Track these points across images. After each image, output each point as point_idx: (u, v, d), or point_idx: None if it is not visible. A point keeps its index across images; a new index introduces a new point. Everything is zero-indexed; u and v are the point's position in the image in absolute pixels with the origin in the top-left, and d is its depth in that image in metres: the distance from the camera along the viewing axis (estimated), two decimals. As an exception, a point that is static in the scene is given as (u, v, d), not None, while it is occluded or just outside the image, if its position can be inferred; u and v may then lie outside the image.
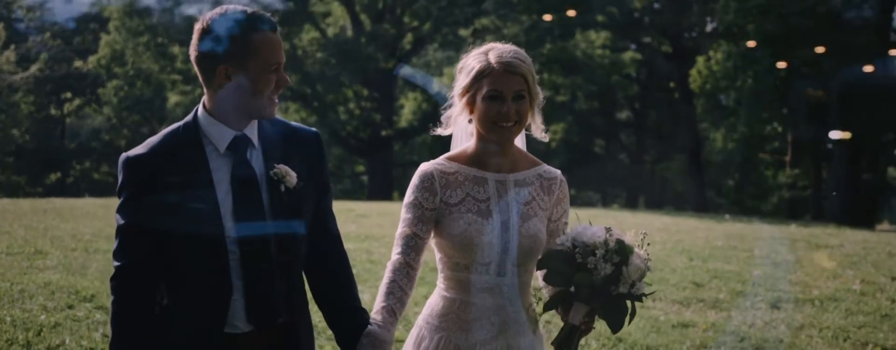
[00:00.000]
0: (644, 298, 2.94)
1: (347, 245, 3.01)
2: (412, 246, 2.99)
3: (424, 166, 3.07)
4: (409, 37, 31.56)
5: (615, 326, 2.91)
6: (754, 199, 30.62)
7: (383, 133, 31.28)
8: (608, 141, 36.90)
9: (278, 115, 2.91)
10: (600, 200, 38.80)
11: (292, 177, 2.79)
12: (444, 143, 3.22)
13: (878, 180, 25.83)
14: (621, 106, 35.91)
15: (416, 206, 3.00)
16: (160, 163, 2.74)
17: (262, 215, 2.76)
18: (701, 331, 6.59)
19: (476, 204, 3.01)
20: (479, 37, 26.33)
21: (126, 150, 2.83)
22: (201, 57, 2.75)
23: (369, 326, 2.86)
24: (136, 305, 2.75)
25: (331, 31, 32.08)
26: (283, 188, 2.78)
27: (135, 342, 2.75)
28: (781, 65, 23.90)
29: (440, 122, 3.14)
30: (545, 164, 3.14)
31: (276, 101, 2.81)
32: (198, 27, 2.76)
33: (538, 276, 3.10)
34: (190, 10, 30.47)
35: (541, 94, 3.03)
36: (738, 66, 24.84)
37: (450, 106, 3.09)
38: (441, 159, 3.08)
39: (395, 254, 3.01)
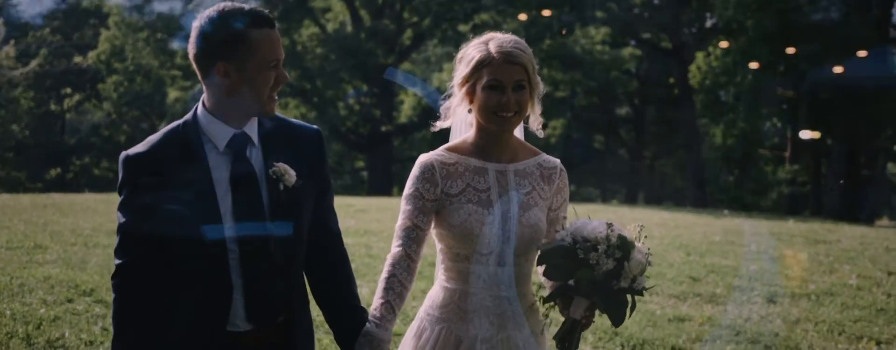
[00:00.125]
0: (645, 292, 2.94)
1: (346, 240, 3.01)
2: (413, 238, 2.98)
3: (424, 157, 3.05)
4: (408, 32, 31.55)
5: (617, 320, 2.91)
6: (754, 195, 30.63)
7: (383, 129, 31.29)
8: (607, 137, 36.96)
9: (278, 112, 2.89)
10: (600, 196, 38.82)
11: (291, 175, 2.78)
12: (444, 139, 3.21)
13: (877, 176, 25.86)
14: (621, 102, 35.93)
15: (416, 197, 2.99)
16: (160, 161, 2.73)
17: (262, 214, 2.75)
18: (697, 325, 6.62)
19: (477, 194, 3.00)
20: (479, 32, 26.17)
21: (126, 146, 2.82)
22: (200, 55, 2.74)
23: (367, 326, 2.86)
24: (137, 303, 2.75)
25: (330, 27, 32.08)
26: (282, 187, 2.77)
27: (137, 339, 2.75)
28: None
29: (439, 114, 3.13)
30: (544, 154, 3.13)
31: (276, 98, 2.79)
32: (196, 25, 2.75)
33: (538, 271, 3.09)
34: (190, 5, 30.46)
35: (541, 85, 3.02)
36: (737, 61, 24.84)
37: (449, 96, 3.08)
38: (441, 150, 3.07)
39: (395, 246, 2.99)
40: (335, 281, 2.96)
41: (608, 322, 2.97)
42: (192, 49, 2.76)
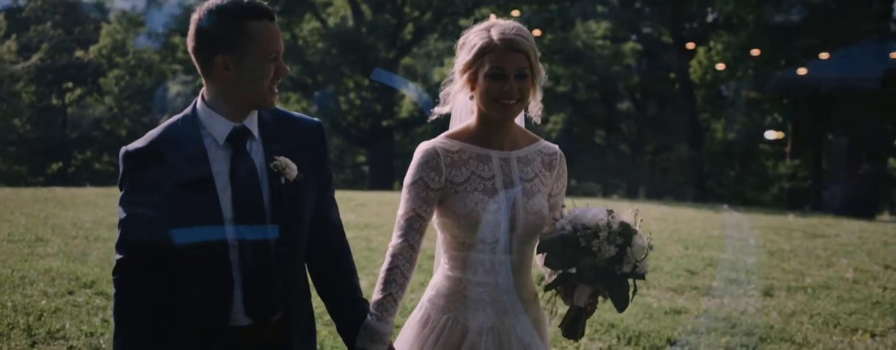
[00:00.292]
0: (646, 276, 2.94)
1: (347, 233, 3.02)
2: (416, 228, 2.94)
3: (426, 145, 3.01)
4: (409, 27, 31.54)
5: (621, 305, 2.92)
6: (754, 190, 30.68)
7: (384, 123, 31.30)
8: (609, 131, 36.94)
9: (279, 106, 2.88)
10: (600, 191, 38.82)
11: (292, 169, 2.77)
12: (445, 130, 3.17)
13: (878, 171, 25.87)
14: (622, 97, 35.93)
15: (420, 185, 2.95)
16: (160, 156, 2.72)
17: (262, 208, 2.75)
18: (693, 317, 6.67)
19: (482, 182, 2.97)
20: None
21: (127, 140, 2.80)
22: (198, 47, 2.73)
23: (368, 319, 2.86)
24: (138, 298, 2.75)
25: (331, 21, 32.08)
26: (283, 180, 2.76)
27: (138, 334, 2.75)
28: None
29: (438, 100, 3.11)
30: (543, 140, 3.12)
31: (276, 91, 2.78)
32: (194, 18, 2.74)
33: (537, 260, 3.09)
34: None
35: (542, 71, 3.01)
36: (737, 56, 24.86)
37: (450, 82, 3.06)
38: (442, 137, 3.03)
39: (396, 237, 2.96)
40: (337, 273, 2.95)
41: (604, 315, 2.99)
42: (191, 42, 2.75)
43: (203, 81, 2.79)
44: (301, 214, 2.82)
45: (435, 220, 3.03)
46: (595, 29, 30.23)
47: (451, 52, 3.09)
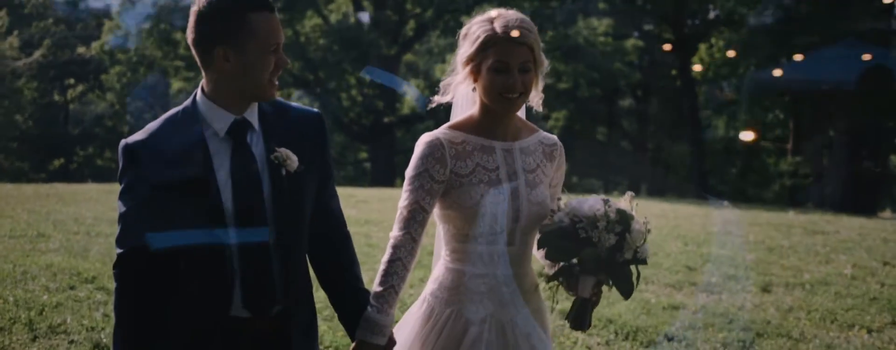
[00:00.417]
0: (646, 271, 2.96)
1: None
2: (419, 220, 2.91)
3: (430, 136, 2.96)
4: (411, 23, 31.55)
5: (626, 292, 2.92)
6: (756, 187, 30.67)
7: (386, 120, 31.32)
8: (610, 128, 36.93)
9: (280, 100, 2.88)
10: (602, 188, 38.81)
11: (293, 160, 2.75)
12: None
13: (879, 168, 25.87)
14: (623, 94, 35.92)
15: (425, 177, 2.91)
16: (160, 148, 2.70)
17: (264, 200, 2.73)
18: (691, 313, 6.69)
19: (487, 174, 2.95)
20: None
21: (129, 137, 2.78)
22: (198, 39, 2.70)
23: (368, 310, 2.85)
24: (139, 292, 2.74)
25: (333, 18, 32.09)
26: (283, 172, 2.74)
27: (138, 328, 2.75)
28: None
29: (439, 88, 3.08)
30: (542, 131, 3.11)
31: (276, 83, 2.75)
32: (194, 9, 2.71)
33: (538, 255, 3.07)
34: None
35: (546, 62, 2.98)
36: (739, 53, 24.86)
37: (452, 72, 3.02)
38: (445, 128, 3.00)
39: (398, 229, 2.92)
40: (338, 263, 2.94)
41: (603, 310, 2.99)
42: (190, 34, 2.72)
43: (203, 73, 2.77)
44: (302, 206, 2.80)
45: (437, 213, 3.00)
46: (596, 25, 30.20)
47: (453, 49, 3.06)
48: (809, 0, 24.07)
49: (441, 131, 2.98)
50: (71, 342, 5.30)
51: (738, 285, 7.61)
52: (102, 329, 5.51)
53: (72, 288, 6.41)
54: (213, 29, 2.67)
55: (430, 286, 3.05)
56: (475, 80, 2.95)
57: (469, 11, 29.59)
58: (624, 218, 2.88)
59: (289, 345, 2.83)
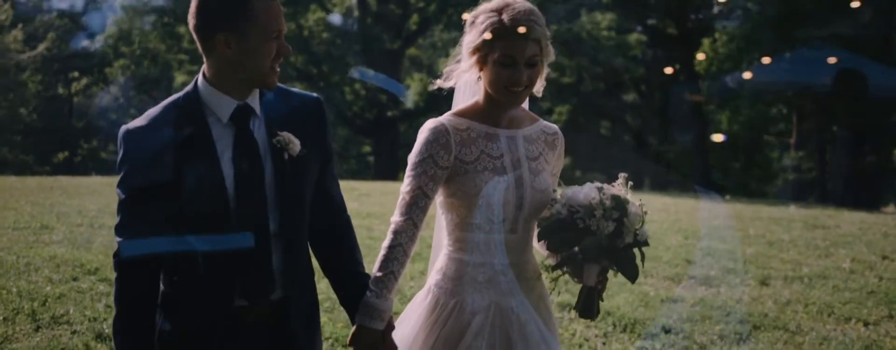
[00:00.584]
0: (649, 242, 2.94)
1: (348, 222, 3.00)
2: (421, 206, 2.89)
3: (435, 122, 2.94)
4: (414, 17, 31.58)
5: (631, 276, 2.91)
6: (759, 182, 30.68)
7: (389, 114, 31.37)
8: (613, 123, 36.94)
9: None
10: (605, 182, 38.81)
11: (296, 144, 2.74)
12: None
13: (882, 163, 25.87)
14: (627, 88, 35.92)
15: (429, 163, 2.89)
16: (162, 134, 2.68)
17: (267, 186, 2.72)
18: (688, 306, 6.73)
19: (491, 161, 2.93)
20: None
21: (129, 123, 2.75)
22: (200, 25, 2.68)
23: (367, 295, 2.84)
24: (139, 281, 2.73)
25: (337, 12, 32.12)
26: (286, 156, 2.73)
27: (139, 318, 2.74)
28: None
29: (442, 74, 3.06)
30: (542, 120, 3.10)
31: (278, 70, 2.74)
32: None
33: (539, 246, 3.07)
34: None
35: (552, 54, 2.95)
36: (741, 48, 24.85)
37: (457, 58, 3.01)
38: (449, 115, 2.98)
39: (399, 214, 2.90)
40: (339, 248, 2.93)
41: (600, 303, 2.99)
42: (192, 20, 2.70)
43: (204, 59, 2.75)
44: (304, 190, 2.79)
45: (440, 202, 2.99)
46: (600, 20, 30.20)
47: (456, 43, 3.04)
48: None
49: (446, 118, 2.97)
50: (73, 332, 5.35)
51: (736, 279, 7.64)
52: (104, 320, 5.56)
53: (75, 279, 6.46)
54: (216, 15, 2.66)
55: (435, 277, 3.04)
56: (481, 70, 2.93)
57: (473, 5, 29.58)
58: (619, 203, 2.89)
59: (292, 333, 2.83)
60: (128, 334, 2.75)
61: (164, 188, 2.65)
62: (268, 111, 2.78)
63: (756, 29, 24.19)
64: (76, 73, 35.42)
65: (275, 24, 2.68)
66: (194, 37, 2.73)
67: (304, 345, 2.87)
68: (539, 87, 3.01)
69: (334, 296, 3.48)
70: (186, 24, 2.78)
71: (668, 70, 27.22)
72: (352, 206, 11.30)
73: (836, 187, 25.12)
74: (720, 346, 5.85)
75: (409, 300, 3.12)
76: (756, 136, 29.10)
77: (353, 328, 2.88)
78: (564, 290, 6.35)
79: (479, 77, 2.95)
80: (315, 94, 2.91)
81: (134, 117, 2.81)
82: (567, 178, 3.17)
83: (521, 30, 2.86)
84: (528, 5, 2.92)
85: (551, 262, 3.03)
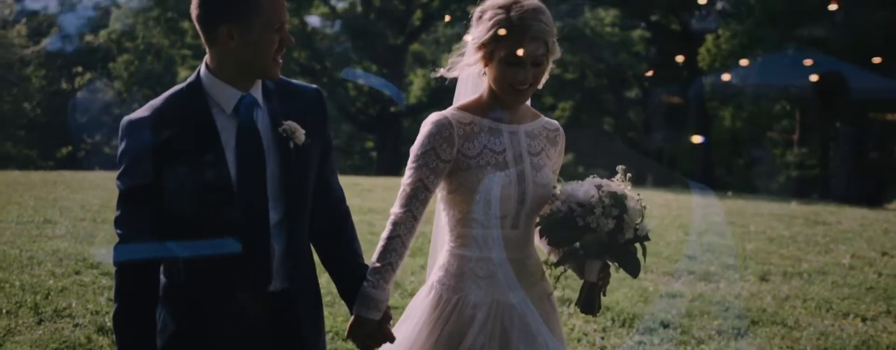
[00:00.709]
0: (650, 236, 2.94)
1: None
2: (421, 199, 2.89)
3: (438, 115, 2.93)
4: (418, 13, 31.58)
5: (633, 271, 2.92)
6: (762, 178, 30.67)
7: (392, 109, 31.39)
8: (617, 119, 36.94)
9: None
10: (608, 178, 38.80)
11: (301, 133, 2.74)
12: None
13: (885, 159, 25.87)
14: (630, 84, 35.91)
15: (431, 155, 2.88)
16: (165, 125, 2.66)
17: (269, 177, 2.72)
18: (688, 301, 6.76)
19: (494, 156, 2.93)
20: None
21: (131, 114, 2.73)
22: (203, 16, 2.68)
23: (364, 286, 2.85)
24: (139, 274, 2.71)
25: (340, 7, 32.13)
26: (291, 145, 2.73)
27: (140, 311, 2.73)
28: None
29: (446, 65, 3.05)
30: (543, 116, 3.11)
31: (280, 61, 2.74)
32: None
33: (541, 244, 3.07)
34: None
35: (558, 51, 2.94)
36: (744, 44, 24.82)
37: (461, 51, 3.00)
38: (453, 109, 2.98)
39: (399, 206, 2.90)
40: (339, 238, 2.94)
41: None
42: (195, 10, 2.70)
43: (207, 50, 2.75)
44: (308, 180, 2.80)
45: (441, 197, 3.00)
46: (603, 16, 30.19)
47: (460, 39, 3.04)
48: None
49: (450, 111, 2.96)
50: (75, 325, 5.39)
51: (736, 274, 7.67)
52: (106, 313, 5.59)
53: (77, 273, 6.50)
54: (219, 6, 2.66)
55: (437, 273, 3.04)
56: (486, 66, 2.92)
57: (476, 1, 29.59)
58: (618, 200, 2.89)
59: (297, 324, 2.83)
60: (129, 327, 2.74)
61: (168, 179, 2.65)
62: (270, 102, 2.78)
63: (758, 26, 24.15)
64: (80, 68, 35.45)
65: (278, 16, 2.68)
66: (197, 28, 2.73)
67: (309, 336, 2.88)
68: (542, 81, 3.01)
69: (334, 290, 3.50)
70: (190, 18, 2.79)
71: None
72: (354, 201, 11.33)
73: (839, 184, 25.12)
74: (718, 341, 5.88)
75: (410, 295, 3.14)
76: (759, 132, 29.09)
77: (351, 318, 2.90)
78: (564, 286, 6.38)
79: (484, 72, 2.95)
80: (314, 86, 2.93)
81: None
82: (569, 175, 3.16)
83: (529, 25, 2.84)
84: (537, 3, 2.91)
85: (553, 258, 3.04)
